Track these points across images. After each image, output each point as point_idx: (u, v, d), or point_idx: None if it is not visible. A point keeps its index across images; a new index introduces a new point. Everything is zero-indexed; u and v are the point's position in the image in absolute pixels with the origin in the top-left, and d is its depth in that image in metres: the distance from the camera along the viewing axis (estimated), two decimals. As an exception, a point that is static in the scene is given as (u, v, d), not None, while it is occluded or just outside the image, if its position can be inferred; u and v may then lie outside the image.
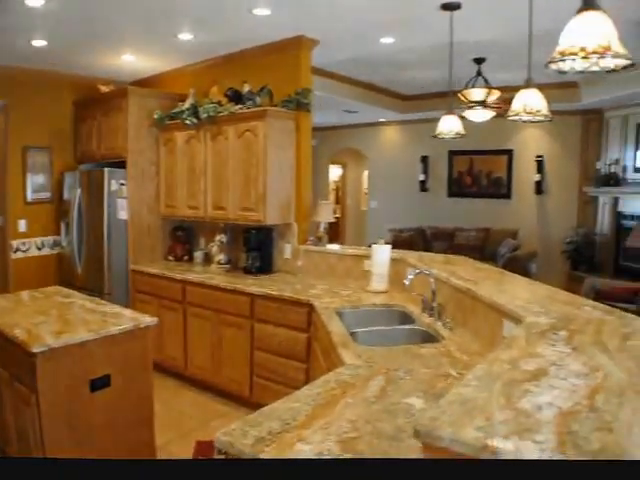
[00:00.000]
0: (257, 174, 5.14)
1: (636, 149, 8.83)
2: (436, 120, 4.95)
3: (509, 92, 8.04)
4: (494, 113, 6.90)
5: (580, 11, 1.92)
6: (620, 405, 1.47)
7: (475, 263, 4.32)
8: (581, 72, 1.99)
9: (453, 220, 10.81)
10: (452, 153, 11.07)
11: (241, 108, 5.25)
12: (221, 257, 5.77)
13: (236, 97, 5.39)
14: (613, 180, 9.01)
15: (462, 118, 5.76)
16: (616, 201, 9.22)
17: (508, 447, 1.24)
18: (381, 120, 11.68)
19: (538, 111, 3.24)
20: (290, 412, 2.08)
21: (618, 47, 1.83)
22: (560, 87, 8.72)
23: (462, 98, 6.82)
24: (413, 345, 3.14)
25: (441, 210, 11.23)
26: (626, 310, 2.78)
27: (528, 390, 1.55)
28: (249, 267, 5.40)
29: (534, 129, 10.13)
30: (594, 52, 1.79)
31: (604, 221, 9.47)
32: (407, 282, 3.43)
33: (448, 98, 4.98)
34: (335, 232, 13.88)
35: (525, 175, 10.34)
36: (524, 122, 3.52)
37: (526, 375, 1.67)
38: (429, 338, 3.34)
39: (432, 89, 8.92)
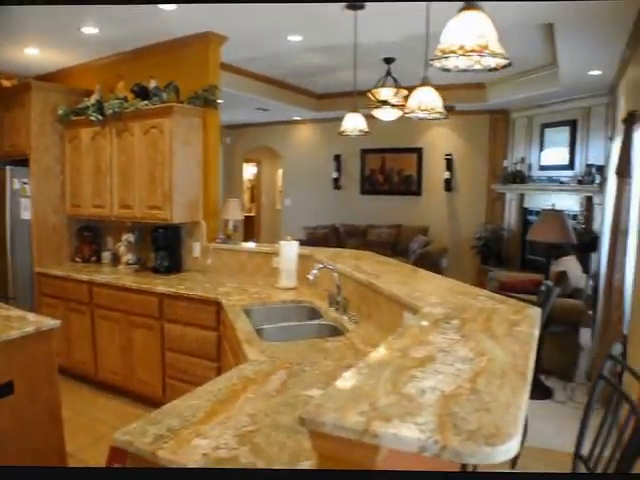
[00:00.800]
0: (163, 172, 5.04)
1: (540, 148, 9.24)
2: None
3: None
4: (402, 112, 7.05)
5: (461, 11, 1.98)
6: (500, 386, 1.53)
7: (380, 257, 4.40)
8: (464, 70, 2.06)
9: (366, 217, 10.98)
10: (364, 152, 11.24)
11: (147, 104, 5.14)
12: (129, 257, 5.62)
13: (143, 93, 5.26)
14: (519, 178, 9.40)
15: (372, 117, 5.88)
16: (522, 198, 9.62)
17: (389, 430, 1.26)
18: (295, 118, 11.72)
19: (432, 109, 3.34)
20: (190, 409, 2.07)
21: (495, 46, 1.90)
22: (468, 87, 9.04)
23: (372, 97, 6.93)
24: (319, 339, 3.17)
25: (354, 208, 11.38)
26: (526, 301, 2.91)
27: (414, 376, 1.59)
28: (158, 267, 5.29)
29: (443, 128, 10.43)
30: (472, 50, 1.85)
31: (511, 217, 9.87)
32: (311, 277, 3.45)
33: (353, 97, 5.05)
34: (250, 230, 13.83)
35: (435, 173, 10.62)
36: (420, 119, 3.62)
37: (414, 362, 1.71)
38: (335, 332, 3.37)
39: (346, 88, 9.03)
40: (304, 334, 3.41)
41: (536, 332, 2.17)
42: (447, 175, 10.41)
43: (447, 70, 2.08)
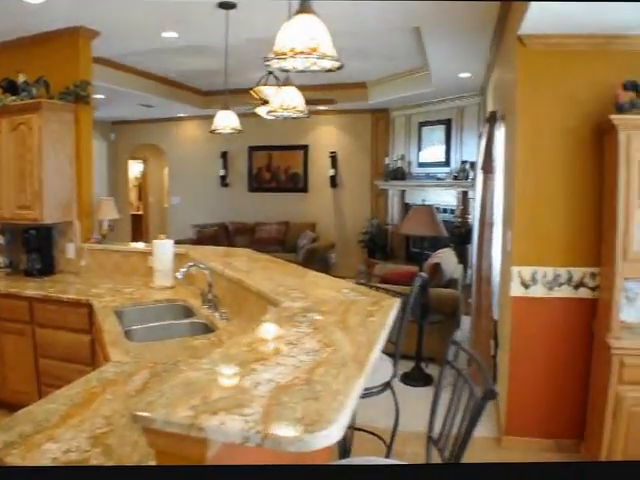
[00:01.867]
0: (32, 170, 4.83)
1: (419, 146, 9.61)
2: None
3: (303, 91, 8.45)
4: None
5: (296, 14, 2.05)
6: (336, 376, 1.61)
7: (256, 255, 4.44)
8: (303, 71, 2.14)
9: (254, 215, 11.01)
10: (252, 149, 11.25)
11: (15, 100, 4.92)
12: (0, 260, 5.36)
13: (11, 88, 5.02)
14: (400, 174, 9.74)
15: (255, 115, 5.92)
16: (403, 193, 9.98)
17: (214, 423, 1.30)
18: (180, 115, 11.55)
19: (294, 107, 3.42)
20: (45, 413, 2.03)
21: (326, 49, 1.99)
22: (350, 87, 9.26)
23: (254, 95, 6.95)
24: (188, 338, 3.17)
25: (242, 205, 11.38)
26: (398, 293, 3.02)
27: (254, 369, 1.64)
28: (30, 269, 5.08)
29: (328, 126, 10.65)
30: (302, 52, 1.93)
31: (394, 212, 10.20)
32: (180, 276, 3.44)
33: (224, 95, 5.06)
34: (139, 229, 13.51)
35: (320, 170, 10.81)
36: (285, 118, 3.69)
37: (259, 356, 1.77)
38: (207, 330, 3.38)
39: (230, 85, 8.98)
40: (175, 333, 3.40)
41: (389, 321, 2.29)
42: (332, 172, 10.62)
43: (286, 70, 2.15)
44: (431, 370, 5.39)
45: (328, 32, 2.01)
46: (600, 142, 3.68)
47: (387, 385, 2.92)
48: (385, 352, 3.07)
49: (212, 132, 4.81)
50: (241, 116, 5.03)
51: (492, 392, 1.60)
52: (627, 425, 3.40)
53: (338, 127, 10.60)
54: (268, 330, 2.08)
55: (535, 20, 3.35)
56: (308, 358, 1.75)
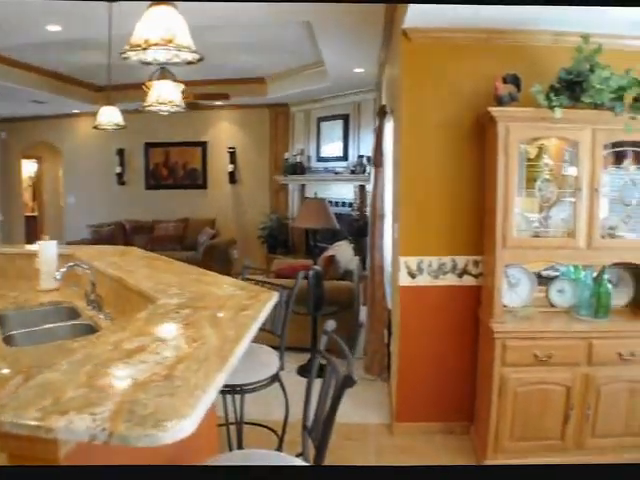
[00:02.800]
0: None
1: (318, 141, 9.71)
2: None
3: (200, 86, 8.34)
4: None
5: (151, 6, 2.03)
6: (197, 371, 1.61)
7: (143, 253, 4.36)
8: (166, 63, 2.12)
9: (153, 213, 10.78)
10: (148, 145, 10.99)
11: None
12: None
13: None
14: (299, 169, 9.80)
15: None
16: (303, 188, 10.05)
17: (62, 423, 1.28)
18: (75, 111, 11.11)
19: (170, 102, 3.38)
20: None
21: (183, 40, 1.98)
22: (249, 82, 9.23)
23: (146, 90, 6.80)
24: (68, 340, 3.07)
25: (140, 203, 11.09)
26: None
27: (116, 367, 1.61)
28: None
29: (226, 122, 10.60)
30: (156, 44, 1.91)
31: (294, 206, 10.27)
32: (58, 276, 3.33)
33: (109, 90, 4.93)
34: (33, 231, 12.93)
35: (219, 166, 10.73)
36: (163, 112, 3.64)
37: (122, 354, 1.74)
38: (91, 330, 3.28)
39: (126, 80, 8.74)
40: (59, 336, 3.28)
41: (262, 315, 2.30)
42: (231, 168, 10.56)
43: (148, 63, 2.12)
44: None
45: (186, 23, 2.00)
46: (482, 133, 3.80)
47: (275, 378, 2.94)
48: (273, 346, 3.12)
49: (95, 128, 4.68)
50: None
51: (349, 379, 1.64)
52: (512, 405, 3.57)
53: (237, 123, 10.55)
54: (138, 327, 2.05)
55: (418, 13, 3.42)
56: (172, 354, 1.74)
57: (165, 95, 3.31)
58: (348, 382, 1.65)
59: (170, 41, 1.88)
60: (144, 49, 1.87)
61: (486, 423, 3.63)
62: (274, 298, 2.62)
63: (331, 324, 2.15)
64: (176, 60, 2.06)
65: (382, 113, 5.42)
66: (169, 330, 2.00)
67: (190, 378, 1.54)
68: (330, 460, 1.87)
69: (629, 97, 3.52)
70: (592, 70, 3.41)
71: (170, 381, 1.52)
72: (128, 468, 1.40)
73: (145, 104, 3.40)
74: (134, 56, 2.05)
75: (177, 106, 3.45)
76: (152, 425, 1.26)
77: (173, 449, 1.39)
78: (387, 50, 5.65)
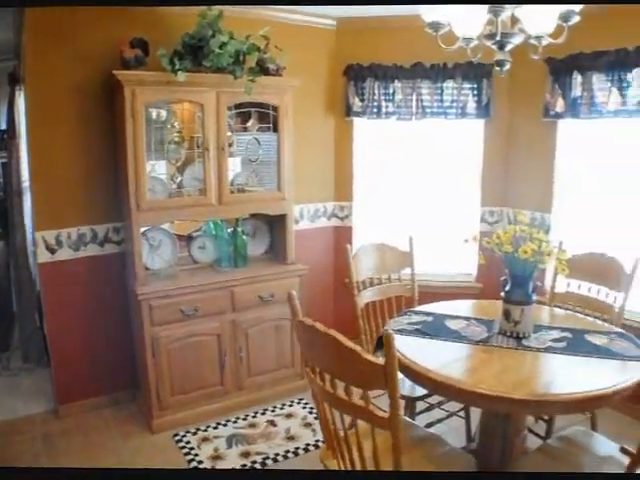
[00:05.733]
0: None
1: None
2: None
3: None
4: None
5: None
6: None
7: None
8: None
9: None
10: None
11: None
12: None
13: None
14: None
15: None
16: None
17: None
18: None
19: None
20: None
21: None
22: None
23: None
24: None
25: None
26: None
27: None
28: None
29: None
30: None
31: None
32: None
33: None
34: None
35: None
36: None
37: None
38: None
39: None
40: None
41: None
42: None
43: None
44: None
45: None
46: (113, 99, 3.72)
47: None
48: None
49: None
50: None
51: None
52: (168, 363, 3.69)
53: None
54: None
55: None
56: None
57: None
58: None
59: None
60: None
61: (147, 385, 3.69)
62: None
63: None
64: None
65: (13, 81, 4.97)
66: None
67: None
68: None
69: (252, 61, 3.78)
70: (214, 36, 3.56)
71: None
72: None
73: None
74: None
75: None
76: None
77: None
78: (22, 15, 5.16)
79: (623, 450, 2.36)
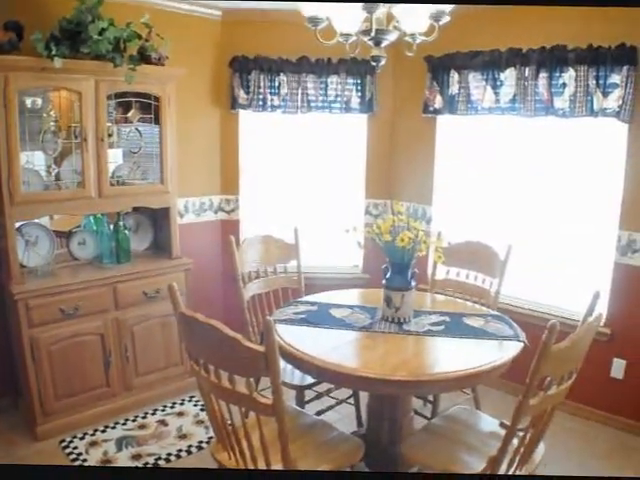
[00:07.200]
0: None
1: None
2: None
3: None
4: None
5: None
6: None
7: None
8: None
9: None
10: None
11: None
12: None
13: None
14: None
15: None
16: None
17: None
18: None
19: None
20: None
21: None
22: None
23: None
24: None
25: None
26: None
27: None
28: None
29: None
30: None
31: None
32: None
33: None
34: None
35: None
36: None
37: None
38: None
39: None
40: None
41: None
42: None
43: None
44: None
45: None
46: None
47: None
48: None
49: None
50: None
51: None
52: (50, 365, 3.49)
53: None
54: None
55: None
56: None
57: None
58: None
59: None
60: None
61: (29, 390, 3.49)
62: None
63: None
64: None
65: None
66: None
67: None
68: None
69: (133, 50, 3.67)
70: (93, 21, 3.42)
71: None
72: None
73: None
74: None
75: None
76: None
77: None
78: None
79: (502, 425, 2.49)
